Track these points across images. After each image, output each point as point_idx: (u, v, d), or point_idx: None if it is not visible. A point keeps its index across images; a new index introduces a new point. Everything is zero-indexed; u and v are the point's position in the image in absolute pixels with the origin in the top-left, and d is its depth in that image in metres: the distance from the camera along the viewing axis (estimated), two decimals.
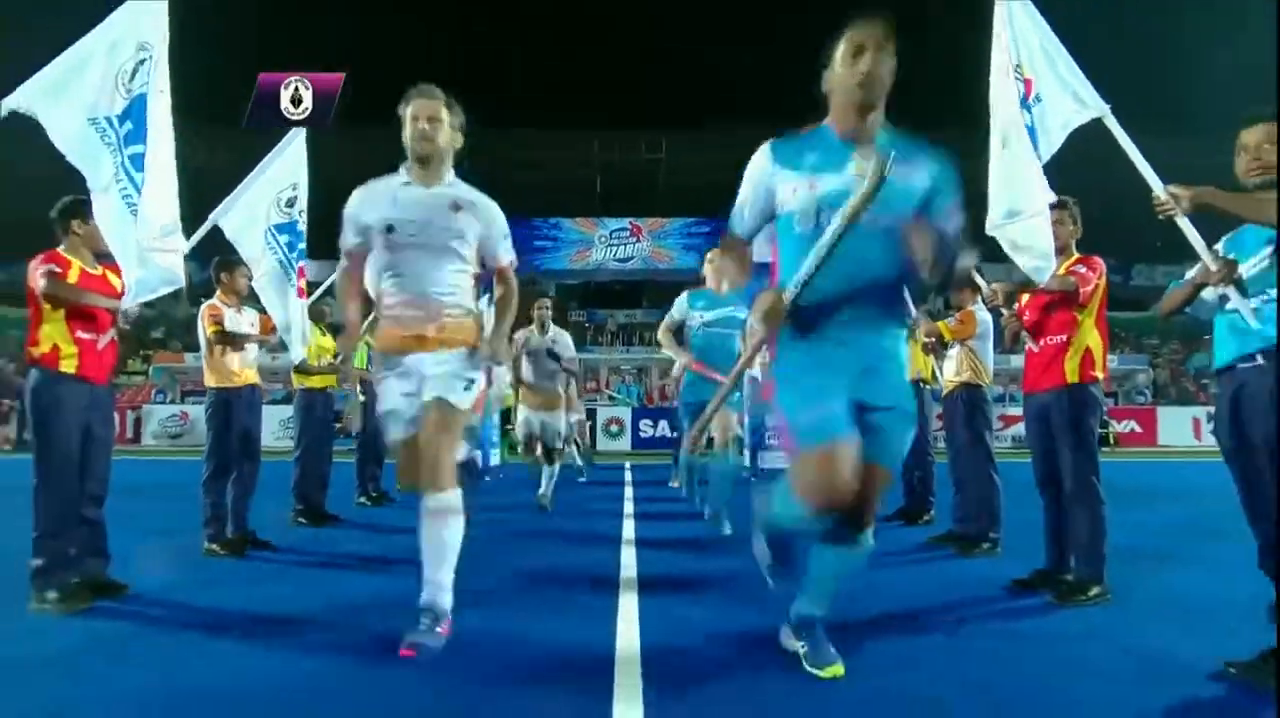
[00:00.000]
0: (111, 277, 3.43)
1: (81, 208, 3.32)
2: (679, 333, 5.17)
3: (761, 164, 2.20)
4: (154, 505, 6.62)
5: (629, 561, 4.20)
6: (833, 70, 2.09)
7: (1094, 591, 3.22)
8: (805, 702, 2.18)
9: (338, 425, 6.40)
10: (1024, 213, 3.09)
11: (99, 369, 3.32)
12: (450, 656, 2.57)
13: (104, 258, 3.43)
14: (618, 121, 23.07)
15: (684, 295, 5.17)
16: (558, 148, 22.90)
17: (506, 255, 2.90)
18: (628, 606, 3.18)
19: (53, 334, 3.21)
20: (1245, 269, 2.27)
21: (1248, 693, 2.19)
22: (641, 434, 16.12)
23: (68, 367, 3.21)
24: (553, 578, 3.86)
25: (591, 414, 16.53)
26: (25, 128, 3.01)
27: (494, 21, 23.95)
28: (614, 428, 16.45)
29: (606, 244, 9.18)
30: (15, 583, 3.15)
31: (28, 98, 2.94)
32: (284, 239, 4.20)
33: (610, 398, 18.82)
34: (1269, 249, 2.24)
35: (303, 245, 4.28)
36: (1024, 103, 2.98)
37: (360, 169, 5.80)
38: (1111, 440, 15.46)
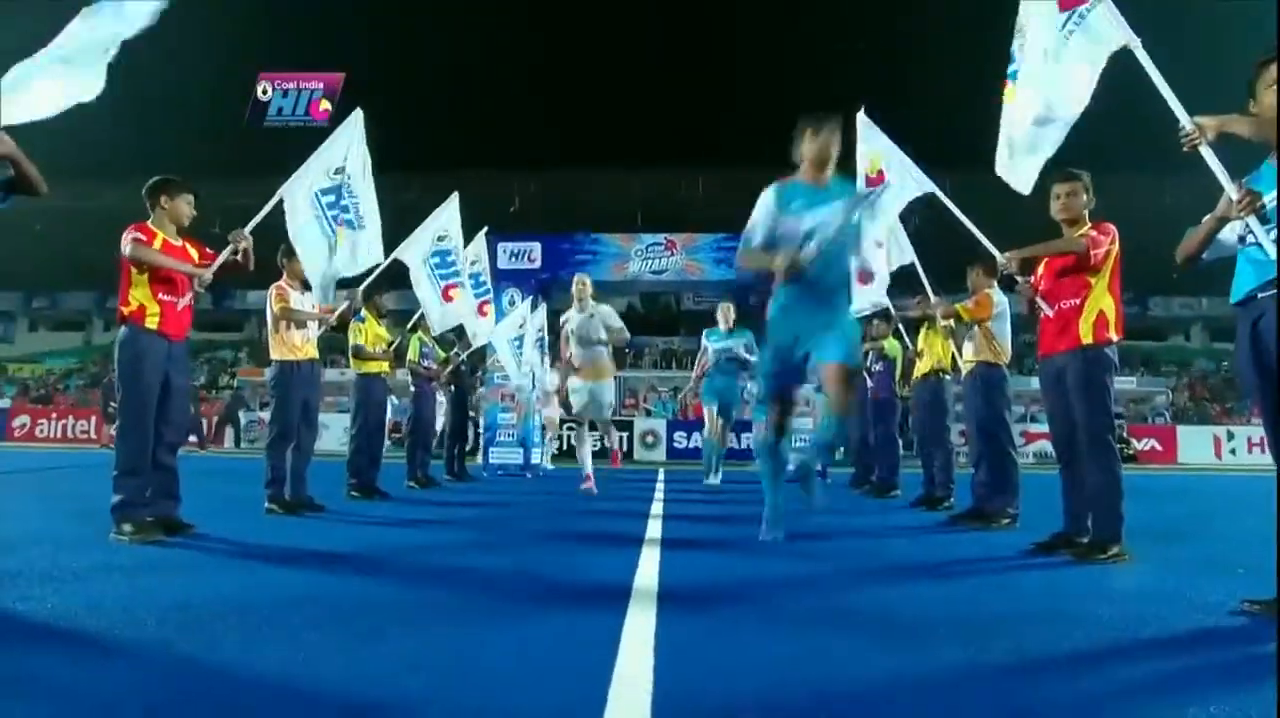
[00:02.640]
0: (190, 249, 3.54)
1: (168, 186, 3.46)
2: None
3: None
4: (229, 483, 6.79)
5: (655, 526, 4.10)
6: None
7: (1113, 550, 3.01)
8: (812, 624, 2.07)
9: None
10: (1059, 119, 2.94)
11: (178, 327, 3.41)
12: (482, 582, 2.53)
13: (187, 233, 3.57)
14: (658, 161, 23.54)
15: (769, 194, 3.17)
16: (603, 188, 23.38)
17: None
18: (650, 554, 3.09)
19: (139, 295, 3.32)
20: (1266, 200, 2.12)
21: (1266, 625, 2.00)
22: (676, 445, 15.96)
23: (151, 323, 3.31)
24: (585, 537, 3.79)
25: (629, 427, 16.46)
26: None
27: (537, 72, 24.65)
28: (650, 439, 16.30)
29: (642, 258, 9.21)
30: (103, 523, 3.25)
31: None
32: (326, 200, 4.26)
33: (648, 412, 18.74)
34: None
35: (347, 217, 4.32)
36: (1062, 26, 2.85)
37: (408, 218, 6.06)
38: (1131, 455, 14.69)
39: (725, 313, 7.01)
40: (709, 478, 7.09)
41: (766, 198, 3.05)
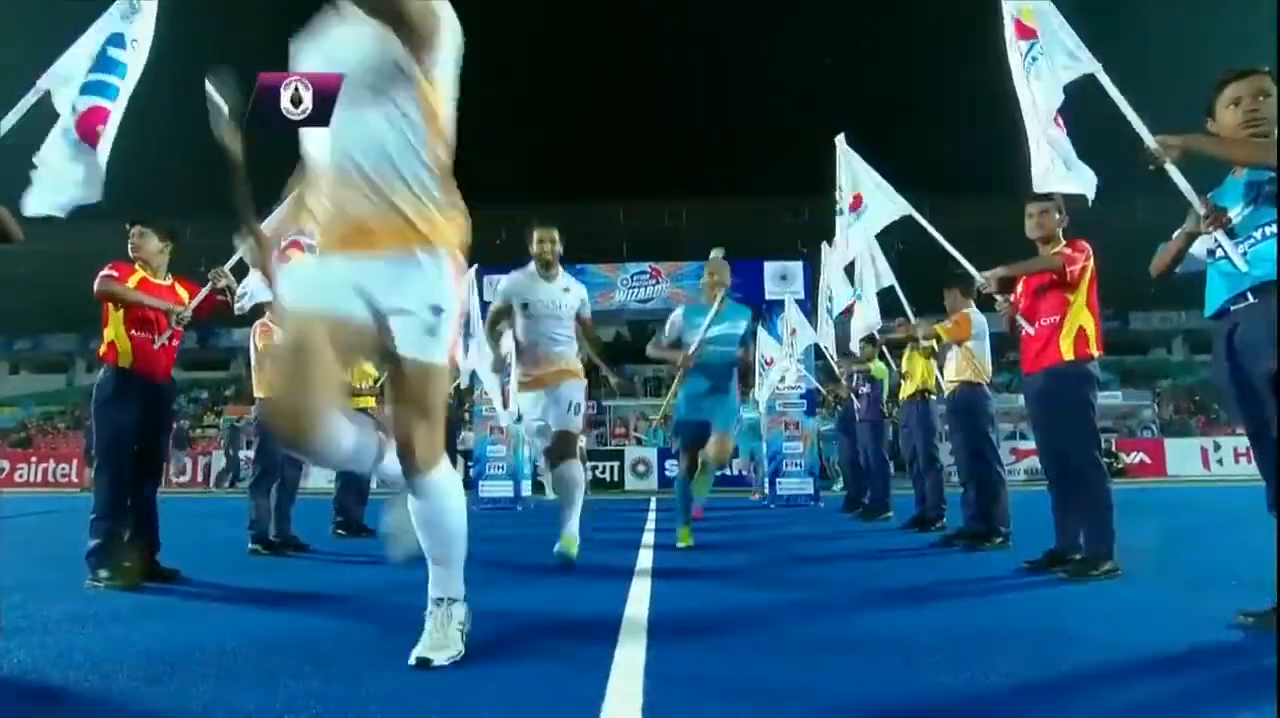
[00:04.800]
0: (181, 289, 3.50)
1: (132, 224, 3.41)
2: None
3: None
4: (212, 524, 6.65)
5: (646, 556, 4.04)
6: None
7: (1105, 566, 2.99)
8: (804, 652, 2.02)
9: None
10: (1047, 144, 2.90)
11: (154, 366, 3.35)
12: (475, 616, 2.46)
13: (182, 274, 3.55)
14: (643, 194, 23.89)
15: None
16: (588, 220, 23.65)
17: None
18: (640, 585, 3.03)
19: (112, 333, 3.27)
20: (1232, 215, 2.15)
21: (1264, 638, 1.98)
22: (667, 474, 15.82)
23: (124, 362, 3.25)
24: (575, 570, 3.71)
25: (620, 455, 16.35)
26: None
27: (523, 106, 25.03)
28: (641, 468, 16.19)
29: (628, 287, 9.17)
30: (79, 570, 3.15)
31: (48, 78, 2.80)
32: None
33: (638, 441, 18.64)
34: (1250, 196, 2.13)
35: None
36: (1026, 56, 2.88)
37: None
38: (1119, 469, 14.72)
39: None
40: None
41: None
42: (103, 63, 2.90)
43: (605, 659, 1.83)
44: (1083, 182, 2.87)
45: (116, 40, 2.94)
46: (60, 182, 2.77)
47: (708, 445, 4.19)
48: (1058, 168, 2.88)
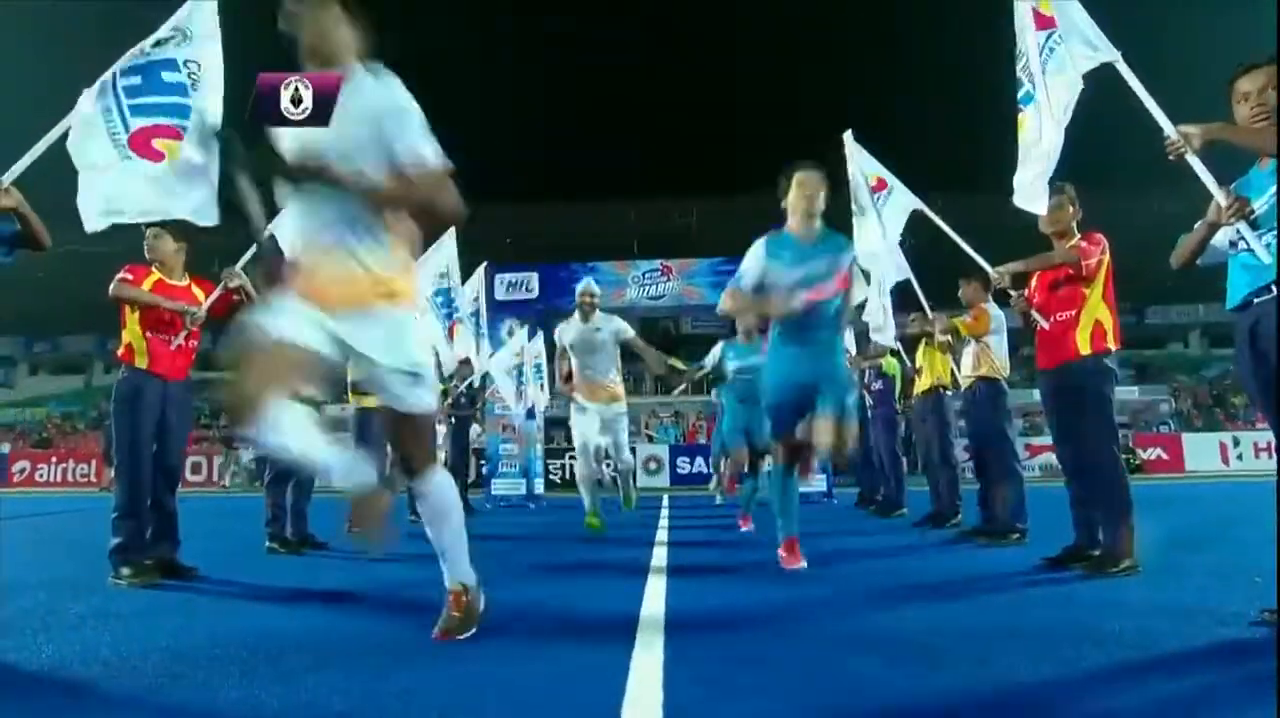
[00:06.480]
0: (197, 290, 3.53)
1: (151, 224, 3.45)
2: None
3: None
4: (230, 522, 6.72)
5: (660, 553, 4.04)
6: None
7: (1125, 563, 2.97)
8: (822, 648, 2.02)
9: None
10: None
11: (171, 367, 3.39)
12: (490, 618, 2.48)
13: (199, 276, 3.59)
14: (653, 191, 23.79)
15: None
16: (599, 218, 23.57)
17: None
18: (656, 582, 3.04)
19: (128, 335, 3.33)
20: (1256, 206, 2.12)
21: None
22: (679, 471, 15.82)
23: (141, 363, 3.30)
24: (590, 567, 3.73)
25: (632, 452, 16.37)
26: None
27: (533, 105, 25.07)
28: (653, 465, 16.17)
29: (639, 284, 9.23)
30: (102, 568, 3.20)
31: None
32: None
33: (650, 438, 18.66)
34: (1275, 186, 2.10)
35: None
36: (1043, 48, 2.81)
37: None
38: (1137, 465, 14.55)
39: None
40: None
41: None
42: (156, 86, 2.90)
43: (624, 658, 1.83)
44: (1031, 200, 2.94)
45: (169, 65, 2.93)
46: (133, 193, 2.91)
47: (818, 428, 2.97)
48: (1037, 185, 2.89)
